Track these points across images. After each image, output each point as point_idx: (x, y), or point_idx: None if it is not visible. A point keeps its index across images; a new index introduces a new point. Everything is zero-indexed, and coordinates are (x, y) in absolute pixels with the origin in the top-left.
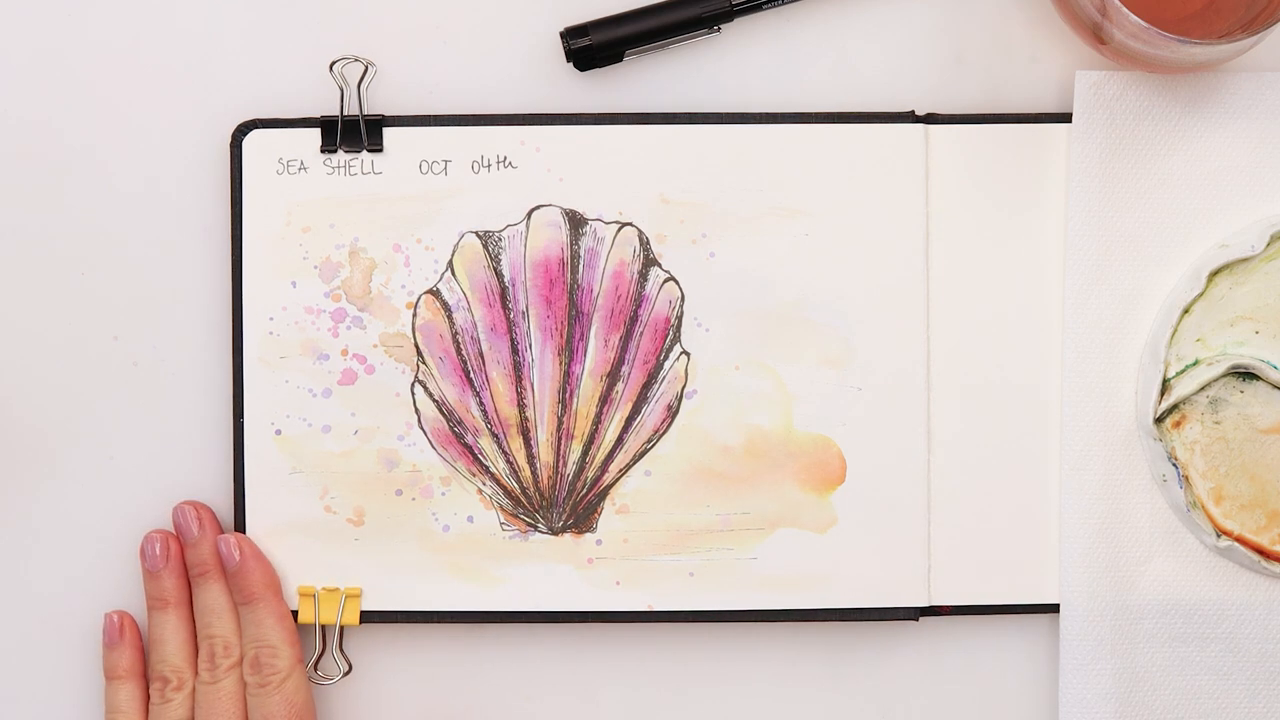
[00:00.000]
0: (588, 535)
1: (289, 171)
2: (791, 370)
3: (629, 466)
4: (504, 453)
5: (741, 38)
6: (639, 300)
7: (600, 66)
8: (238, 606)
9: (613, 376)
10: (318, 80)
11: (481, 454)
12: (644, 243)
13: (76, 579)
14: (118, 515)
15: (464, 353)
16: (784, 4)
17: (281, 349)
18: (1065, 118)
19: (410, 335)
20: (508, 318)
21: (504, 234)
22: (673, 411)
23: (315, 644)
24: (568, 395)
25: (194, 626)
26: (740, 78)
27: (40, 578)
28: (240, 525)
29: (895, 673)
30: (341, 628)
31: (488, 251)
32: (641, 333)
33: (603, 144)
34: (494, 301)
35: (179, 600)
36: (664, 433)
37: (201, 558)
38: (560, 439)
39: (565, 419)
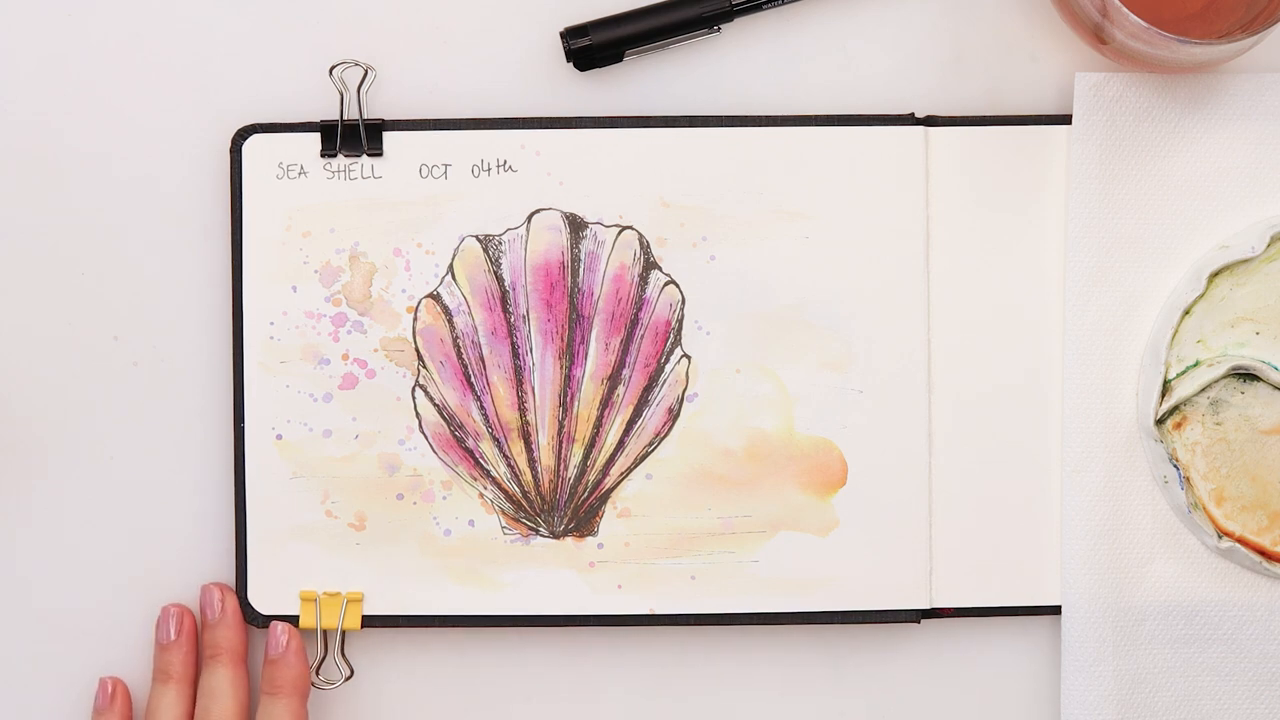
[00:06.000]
0: (589, 539)
1: (289, 176)
2: (792, 373)
3: (630, 470)
4: (505, 457)
5: (741, 38)
6: (639, 303)
7: (600, 67)
8: (262, 695)
9: (613, 380)
10: (317, 84)
11: (482, 458)
12: (644, 246)
13: (74, 580)
14: (117, 516)
15: (465, 357)
16: (784, 4)
17: (282, 354)
18: (1065, 119)
19: (411, 339)
20: (508, 321)
21: (504, 238)
22: (674, 415)
23: (317, 649)
24: (569, 399)
25: (193, 705)
26: (740, 78)
27: (38, 579)
28: (241, 529)
29: (897, 675)
30: (343, 632)
31: (488, 255)
32: (642, 336)
33: (603, 147)
34: (494, 305)
35: (183, 677)
36: (665, 436)
37: (217, 640)
38: (561, 443)
39: (566, 423)
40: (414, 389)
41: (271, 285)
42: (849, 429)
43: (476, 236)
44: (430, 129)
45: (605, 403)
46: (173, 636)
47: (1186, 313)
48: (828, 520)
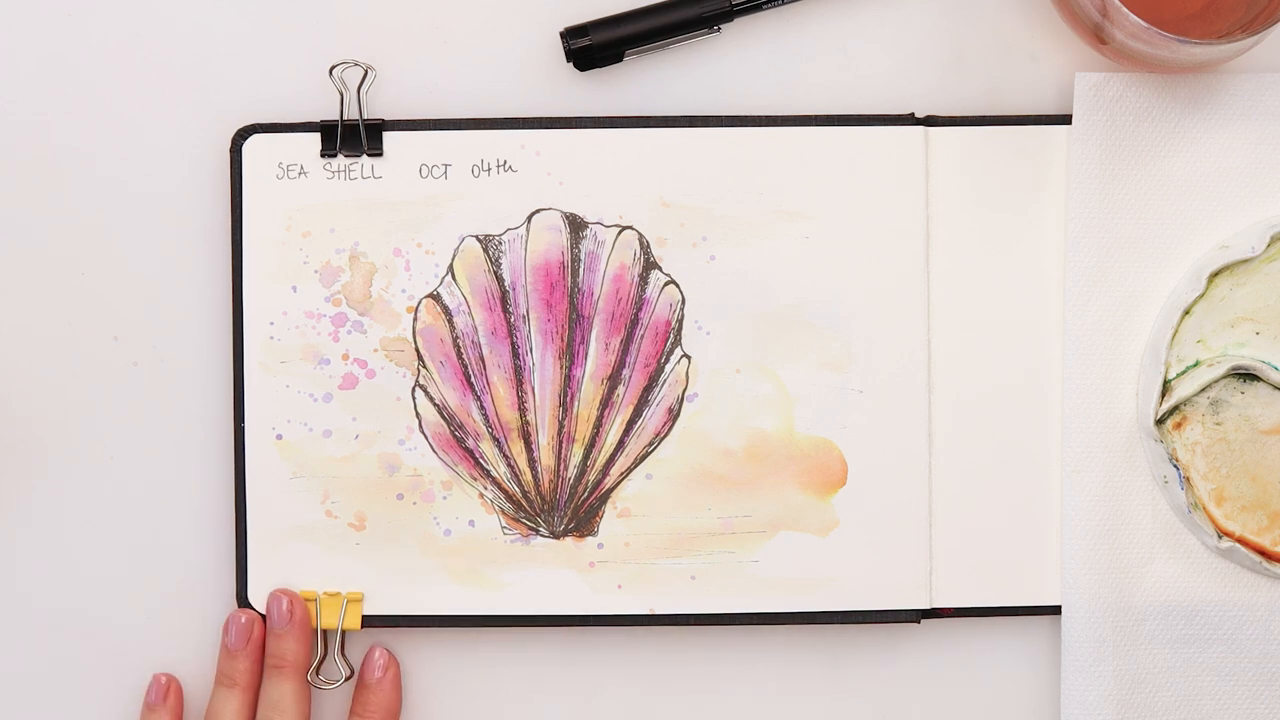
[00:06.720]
0: (589, 539)
1: (289, 176)
2: (792, 373)
3: (630, 470)
4: (505, 457)
5: (741, 38)
6: (639, 303)
7: (600, 67)
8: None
9: (613, 380)
10: (317, 85)
11: (483, 458)
12: (644, 246)
13: (73, 580)
14: (117, 516)
15: (465, 357)
16: (784, 4)
17: (282, 354)
18: (1065, 119)
19: (411, 339)
20: (508, 321)
21: (504, 238)
22: (674, 415)
23: (317, 649)
24: (569, 399)
25: (253, 712)
26: (740, 78)
27: (36, 579)
28: (241, 529)
29: (897, 675)
30: (343, 632)
31: (488, 255)
32: (642, 336)
33: (603, 147)
34: (494, 305)
35: (247, 685)
36: (665, 436)
37: (283, 650)
38: (561, 443)
39: (566, 423)
40: (414, 389)
41: (271, 285)
42: (849, 429)
43: (476, 236)
44: (430, 129)
45: (605, 403)
46: (241, 644)
47: (1186, 313)
48: (828, 520)
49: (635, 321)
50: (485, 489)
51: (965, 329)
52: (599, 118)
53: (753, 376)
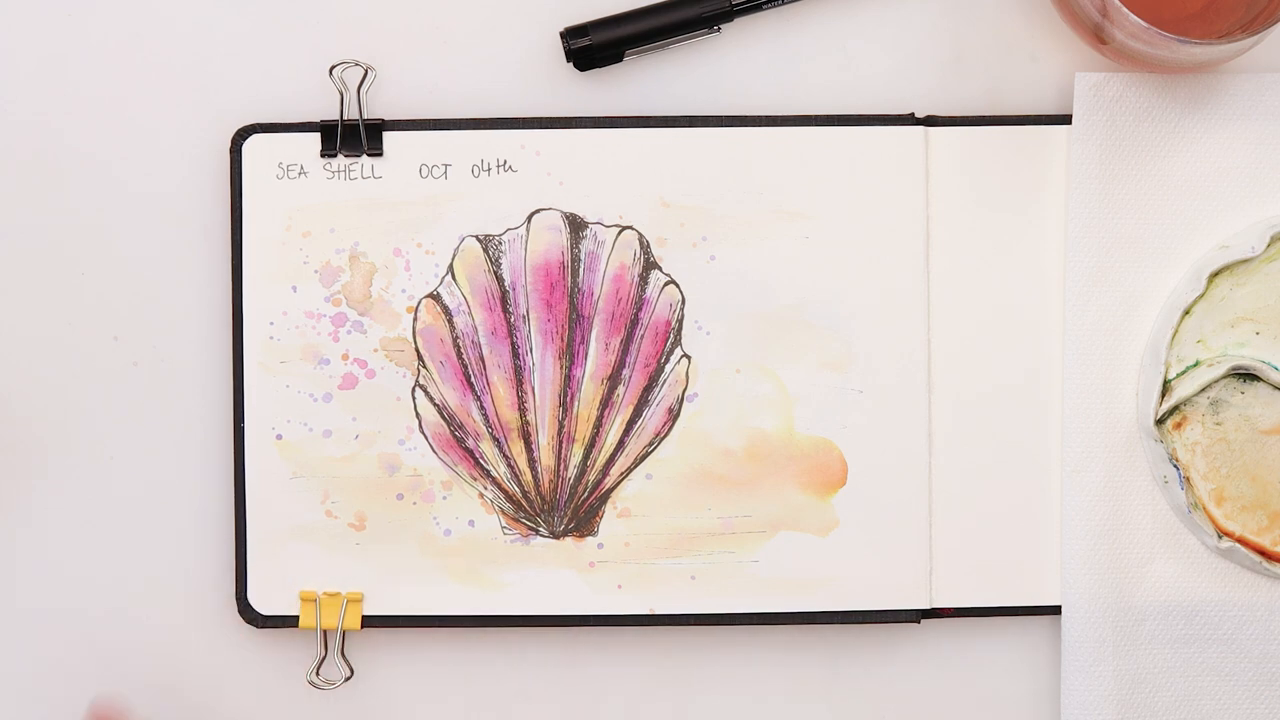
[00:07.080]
0: (589, 539)
1: (289, 176)
2: (792, 373)
3: (630, 470)
4: (505, 457)
5: (741, 38)
6: (640, 303)
7: (600, 66)
8: None
9: (613, 380)
10: (317, 84)
11: (483, 458)
12: (644, 246)
13: (73, 580)
14: (117, 516)
15: (465, 357)
16: (784, 4)
17: (282, 354)
18: (1065, 119)
19: (411, 339)
20: (508, 321)
21: (504, 238)
22: (674, 415)
23: (317, 649)
24: (569, 399)
25: None
26: (740, 78)
27: (36, 579)
28: (241, 529)
29: (897, 675)
30: (343, 632)
31: (488, 255)
32: (642, 336)
33: (603, 147)
34: (494, 305)
35: None
36: (665, 436)
37: None
38: (561, 443)
39: (566, 423)
40: (414, 389)
41: (271, 285)
42: (849, 429)
43: (476, 236)
44: (430, 129)
45: (605, 403)
46: None
47: (1186, 313)
48: (828, 520)
49: (635, 321)
50: (485, 489)
51: (965, 329)
52: (599, 118)
53: (753, 376)
